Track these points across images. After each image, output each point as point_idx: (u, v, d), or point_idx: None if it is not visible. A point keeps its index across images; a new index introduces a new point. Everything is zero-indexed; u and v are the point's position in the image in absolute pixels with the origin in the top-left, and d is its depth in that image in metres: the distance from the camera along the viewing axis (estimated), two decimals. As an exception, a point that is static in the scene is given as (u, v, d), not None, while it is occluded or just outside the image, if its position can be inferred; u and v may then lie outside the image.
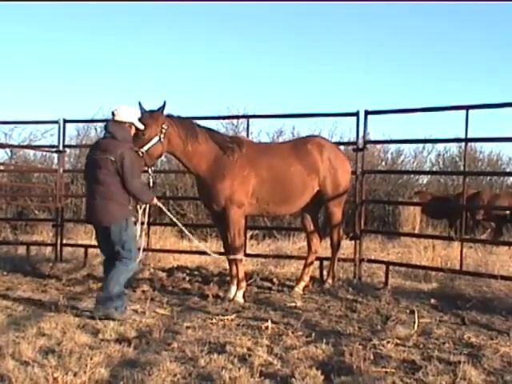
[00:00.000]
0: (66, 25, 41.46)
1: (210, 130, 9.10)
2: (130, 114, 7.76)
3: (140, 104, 8.31)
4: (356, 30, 40.71)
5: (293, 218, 16.71)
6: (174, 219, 9.38)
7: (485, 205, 17.96)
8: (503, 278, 9.22)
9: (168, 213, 9.18)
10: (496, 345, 6.57)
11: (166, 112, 8.40)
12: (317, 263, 10.21)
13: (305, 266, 9.76)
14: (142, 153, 8.05)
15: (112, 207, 7.47)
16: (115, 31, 43.67)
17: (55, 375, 5.16)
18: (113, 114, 7.74)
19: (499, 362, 5.96)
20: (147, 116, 8.22)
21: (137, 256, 7.80)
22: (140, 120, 8.10)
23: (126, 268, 7.59)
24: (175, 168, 17.08)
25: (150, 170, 8.45)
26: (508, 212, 17.71)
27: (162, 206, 8.72)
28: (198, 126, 8.93)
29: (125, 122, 7.68)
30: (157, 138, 8.17)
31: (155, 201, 8.10)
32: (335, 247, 9.75)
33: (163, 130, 8.24)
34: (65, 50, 41.85)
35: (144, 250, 8.48)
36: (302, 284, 9.59)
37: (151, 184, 8.47)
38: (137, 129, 7.88)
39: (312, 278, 9.86)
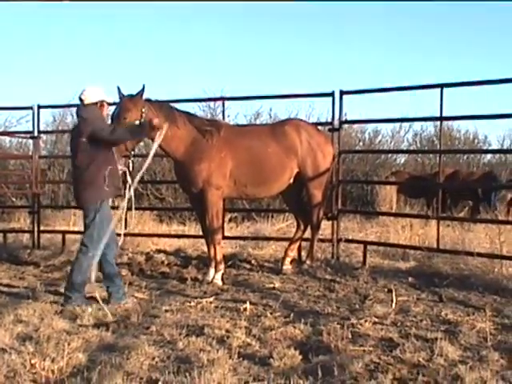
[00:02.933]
0: (37, 9, 41.02)
1: (188, 113, 9.09)
2: (96, 93, 7.61)
3: (118, 88, 8.27)
4: (334, 9, 40.60)
5: (271, 200, 16.72)
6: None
7: (460, 183, 18.10)
8: (480, 255, 9.28)
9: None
10: (472, 321, 6.64)
11: (144, 96, 8.36)
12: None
13: (290, 243, 9.82)
14: None
15: (87, 191, 7.37)
16: (90, 14, 43.20)
17: (33, 361, 5.15)
18: (80, 99, 7.62)
19: (475, 338, 6.02)
20: (127, 100, 8.19)
21: (99, 244, 7.30)
22: (119, 104, 8.11)
23: (86, 255, 7.36)
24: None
25: (130, 155, 8.39)
26: (480, 190, 17.82)
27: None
28: (177, 110, 8.91)
29: (95, 103, 7.57)
30: (137, 123, 8.12)
31: (157, 120, 7.93)
32: (315, 228, 9.76)
33: (143, 115, 8.20)
34: (38, 34, 41.41)
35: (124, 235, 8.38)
36: (288, 259, 9.69)
37: (131, 169, 8.40)
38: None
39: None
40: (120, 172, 7.78)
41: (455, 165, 21.70)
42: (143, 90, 8.23)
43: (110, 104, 7.88)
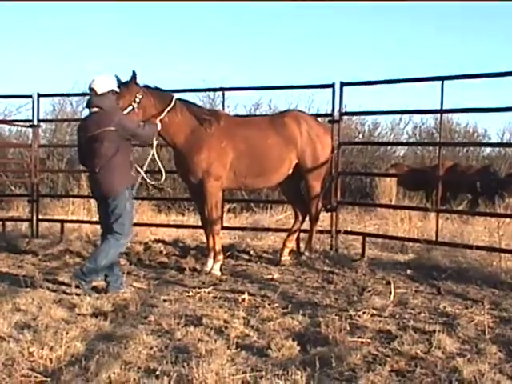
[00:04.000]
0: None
1: (187, 102, 9.05)
2: (108, 83, 7.64)
3: (117, 77, 8.24)
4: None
5: (270, 191, 16.72)
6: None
7: (459, 176, 18.09)
8: (478, 248, 9.29)
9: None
10: (471, 314, 6.64)
11: (142, 83, 8.38)
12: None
13: (289, 234, 9.82)
14: None
15: (116, 179, 7.42)
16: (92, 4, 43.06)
17: (31, 350, 5.16)
18: (92, 89, 7.55)
19: (473, 331, 6.02)
20: (122, 87, 8.19)
21: (130, 232, 7.77)
22: (118, 92, 8.11)
23: (118, 242, 7.47)
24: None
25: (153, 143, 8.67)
26: (478, 184, 17.80)
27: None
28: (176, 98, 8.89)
29: (108, 92, 7.57)
30: (130, 108, 8.10)
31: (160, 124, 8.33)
32: (314, 220, 9.77)
33: (137, 100, 8.18)
34: (39, 22, 41.29)
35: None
36: (287, 250, 9.69)
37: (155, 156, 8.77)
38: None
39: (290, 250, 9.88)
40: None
41: (454, 158, 21.68)
42: (134, 75, 8.21)
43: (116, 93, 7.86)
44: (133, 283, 8.00)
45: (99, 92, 7.52)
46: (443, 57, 40.85)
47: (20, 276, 8.24)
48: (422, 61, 38.95)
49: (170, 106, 8.54)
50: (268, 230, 11.76)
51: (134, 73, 8.21)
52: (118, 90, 7.78)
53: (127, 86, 8.17)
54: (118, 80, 8.24)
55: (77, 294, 7.14)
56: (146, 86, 8.47)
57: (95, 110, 7.53)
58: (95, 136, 7.36)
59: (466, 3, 37.75)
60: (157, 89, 8.66)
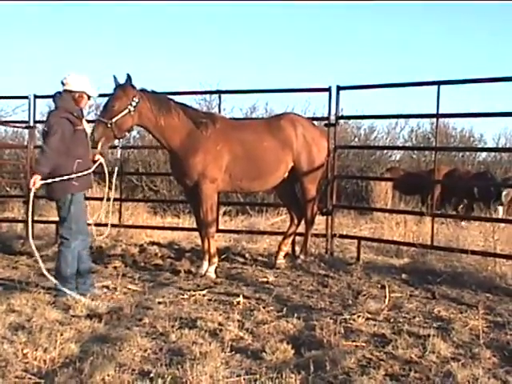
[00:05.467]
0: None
1: (183, 105, 9.05)
2: (79, 83, 7.26)
3: (115, 77, 8.27)
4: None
5: (266, 194, 16.72)
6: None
7: (457, 181, 18.09)
8: (473, 252, 9.31)
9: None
10: (465, 318, 6.65)
11: (140, 86, 8.42)
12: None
13: (284, 237, 9.83)
14: (111, 124, 8.02)
15: (59, 183, 7.07)
16: (89, 5, 43.07)
17: (25, 351, 5.16)
18: (62, 83, 7.25)
19: (468, 335, 6.03)
20: (118, 89, 8.22)
21: (80, 234, 7.32)
22: (112, 94, 8.11)
23: (68, 249, 7.24)
24: (148, 143, 17.01)
25: (119, 143, 8.58)
26: (476, 190, 17.79)
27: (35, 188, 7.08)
28: (173, 101, 8.90)
29: (75, 92, 7.23)
30: (126, 111, 8.14)
31: (34, 180, 6.92)
32: (309, 223, 9.77)
33: (133, 103, 8.20)
34: (35, 23, 41.27)
35: (116, 226, 8.37)
36: (282, 254, 9.71)
37: (119, 157, 8.36)
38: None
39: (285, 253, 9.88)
40: (98, 163, 7.58)
41: (450, 162, 21.71)
42: (129, 78, 8.23)
43: (89, 96, 7.47)
44: (128, 285, 7.99)
45: (65, 88, 7.23)
46: (443, 58, 40.87)
47: (15, 277, 8.24)
48: (422, 62, 38.96)
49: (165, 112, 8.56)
50: (263, 233, 11.77)
51: (128, 76, 8.22)
52: (89, 92, 7.37)
53: (123, 88, 8.19)
54: (116, 81, 8.26)
55: (72, 297, 7.10)
56: (143, 90, 8.48)
57: (55, 106, 7.30)
58: (43, 136, 7.23)
59: (466, 3, 37.75)
60: (153, 92, 8.67)
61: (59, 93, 7.34)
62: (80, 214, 7.32)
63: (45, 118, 7.93)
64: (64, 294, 7.09)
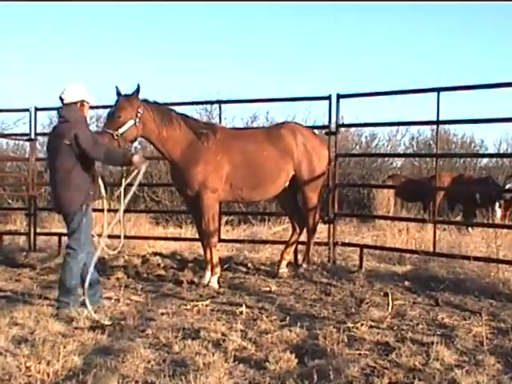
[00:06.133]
0: (35, 11, 41.01)
1: (185, 116, 9.08)
2: (77, 93, 7.32)
3: (117, 88, 8.30)
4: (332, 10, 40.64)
5: (268, 203, 16.73)
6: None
7: (459, 187, 18.07)
8: (476, 259, 9.30)
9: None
10: (469, 325, 6.64)
11: (142, 97, 8.39)
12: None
13: (287, 246, 9.82)
14: (117, 135, 7.99)
15: (72, 195, 7.13)
16: (89, 15, 43.19)
17: (28, 364, 5.14)
18: (61, 98, 7.32)
19: (472, 342, 6.02)
20: (123, 99, 8.23)
21: (88, 246, 7.31)
22: (116, 103, 8.16)
23: (75, 260, 7.20)
24: (149, 155, 17.03)
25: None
26: (478, 195, 17.77)
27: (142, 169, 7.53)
28: (174, 111, 8.92)
29: (75, 103, 7.29)
30: (132, 122, 8.13)
31: (136, 158, 7.30)
32: (311, 232, 9.76)
33: (139, 114, 8.21)
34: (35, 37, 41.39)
35: (118, 237, 8.31)
36: (284, 263, 9.70)
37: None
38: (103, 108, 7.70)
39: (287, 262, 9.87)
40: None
41: (452, 169, 21.70)
42: (138, 88, 8.24)
43: (90, 104, 7.53)
44: (130, 296, 7.98)
45: (66, 102, 7.30)
46: (443, 59, 40.88)
47: (17, 290, 8.24)
48: (422, 65, 38.97)
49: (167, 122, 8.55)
50: (265, 242, 11.75)
51: (138, 86, 8.23)
52: (89, 100, 7.43)
53: (129, 99, 8.20)
54: (118, 91, 8.28)
55: (74, 309, 7.09)
56: (145, 101, 8.49)
57: (61, 120, 7.33)
58: (55, 148, 7.20)
59: (465, 3, 37.79)
60: (155, 103, 8.68)
61: (61, 107, 7.38)
62: (90, 225, 7.35)
63: (46, 131, 7.93)
64: (66, 305, 7.07)
